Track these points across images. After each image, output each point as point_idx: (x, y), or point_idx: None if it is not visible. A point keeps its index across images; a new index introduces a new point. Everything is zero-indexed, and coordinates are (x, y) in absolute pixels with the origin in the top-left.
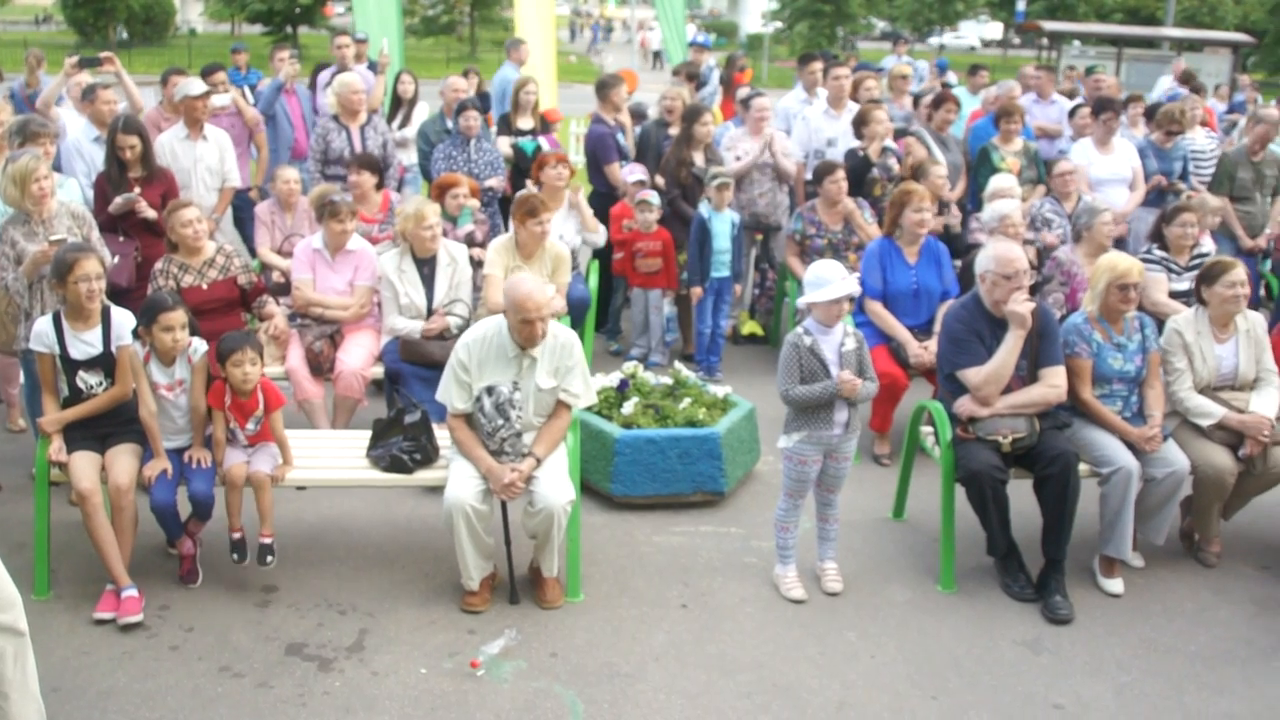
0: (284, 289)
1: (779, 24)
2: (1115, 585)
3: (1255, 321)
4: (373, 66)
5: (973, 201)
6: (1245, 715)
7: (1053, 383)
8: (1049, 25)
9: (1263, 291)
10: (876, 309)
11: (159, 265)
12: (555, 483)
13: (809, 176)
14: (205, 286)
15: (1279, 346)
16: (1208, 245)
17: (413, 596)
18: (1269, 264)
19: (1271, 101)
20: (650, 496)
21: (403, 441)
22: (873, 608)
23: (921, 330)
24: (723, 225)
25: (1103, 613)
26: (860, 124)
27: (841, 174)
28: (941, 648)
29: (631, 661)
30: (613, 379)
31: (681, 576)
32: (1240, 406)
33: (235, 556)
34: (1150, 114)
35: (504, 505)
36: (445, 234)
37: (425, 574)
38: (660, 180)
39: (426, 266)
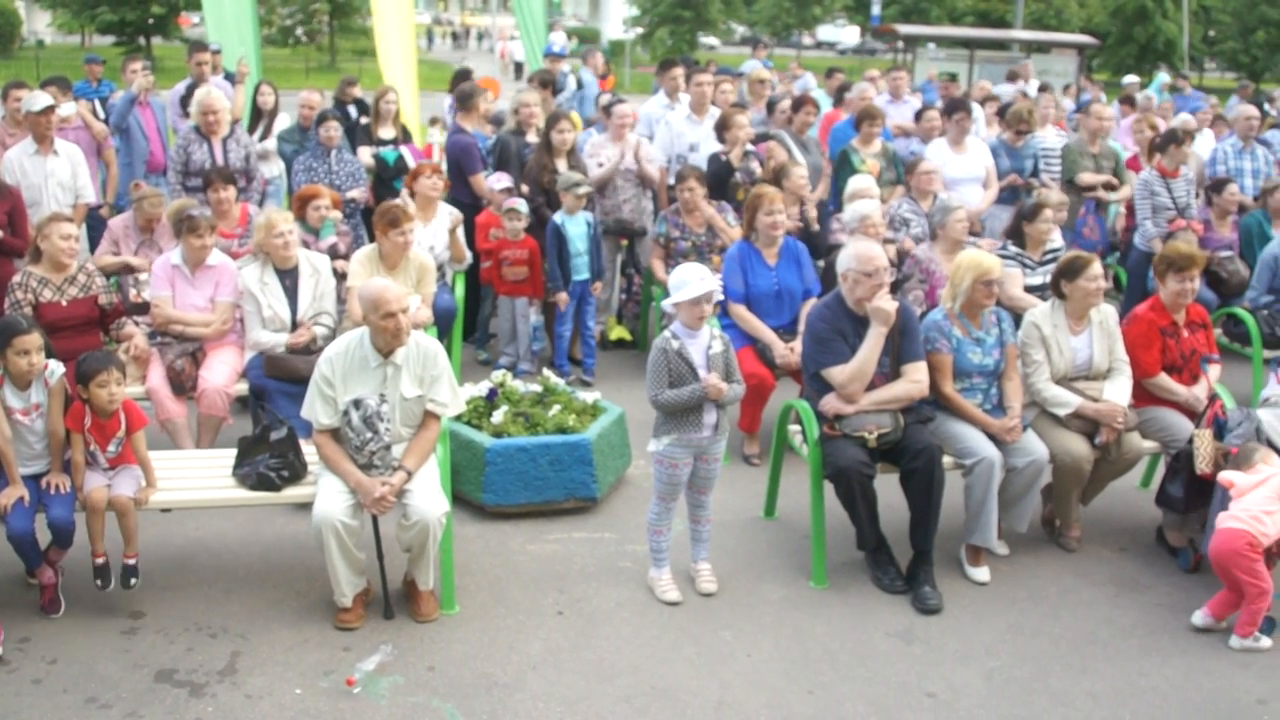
0: (142, 308)
1: (640, 30)
2: (982, 573)
3: (1108, 314)
4: (230, 77)
5: (834, 202)
6: (1108, 693)
7: (915, 378)
8: (904, 29)
9: (1110, 284)
10: (740, 311)
11: (17, 279)
12: (428, 495)
13: (672, 181)
14: (65, 303)
15: (1131, 334)
16: (1058, 240)
17: (285, 616)
18: (1116, 256)
19: (1115, 100)
20: (523, 505)
21: (269, 459)
22: (747, 606)
23: (786, 330)
24: (577, 228)
25: (971, 601)
26: (722, 128)
27: (694, 181)
28: (816, 642)
29: (509, 671)
30: (482, 388)
31: (557, 584)
32: (1095, 396)
33: (99, 583)
34: (1002, 114)
35: (375, 519)
36: (308, 246)
37: (297, 592)
38: (525, 188)
39: (289, 278)
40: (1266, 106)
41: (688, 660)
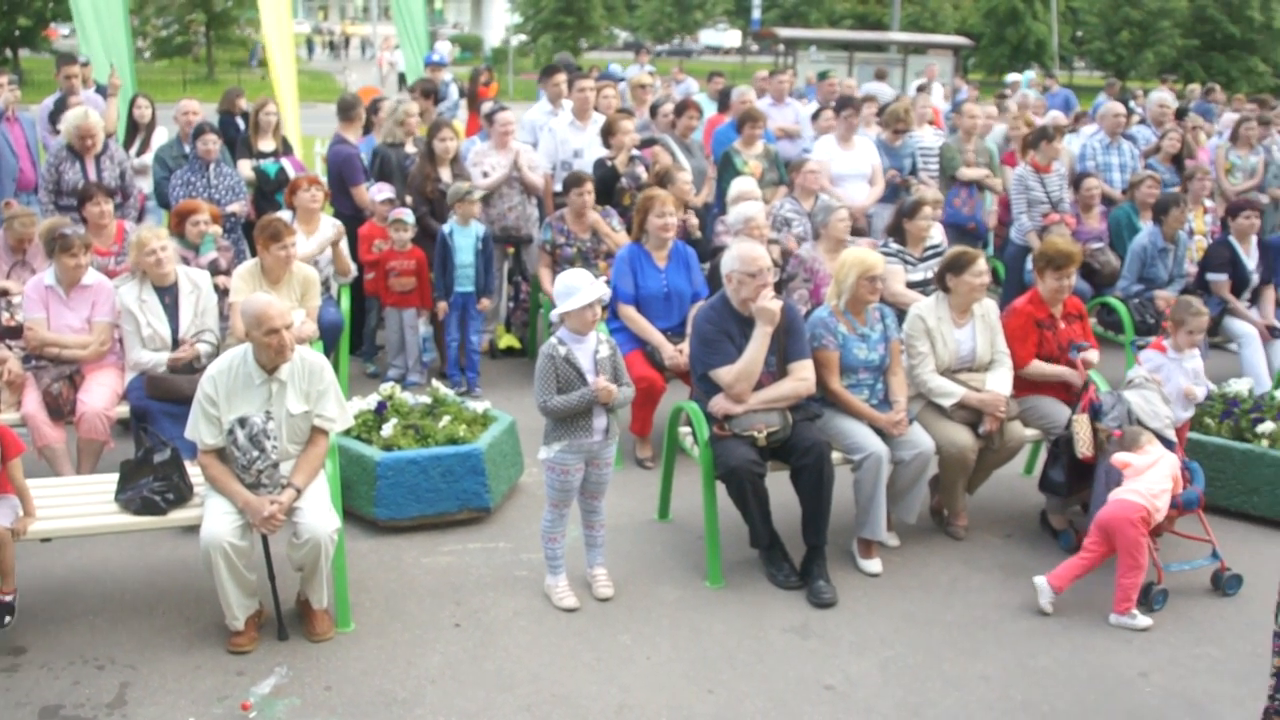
0: (15, 332)
1: (523, 37)
2: (874, 565)
3: (989, 307)
4: (101, 90)
5: (718, 205)
6: (999, 675)
7: (802, 376)
8: (784, 32)
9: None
10: (629, 313)
11: None
12: (319, 512)
13: (558, 188)
14: None
15: (1009, 327)
16: (938, 237)
17: (175, 643)
18: (992, 250)
19: (990, 99)
20: (416, 518)
21: (153, 482)
22: (645, 609)
23: (675, 333)
24: (466, 240)
25: (864, 593)
26: (607, 134)
27: (589, 185)
28: (714, 642)
29: (408, 687)
30: (370, 401)
31: (453, 596)
32: (978, 386)
33: None
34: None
35: (265, 539)
36: (188, 263)
37: (187, 618)
38: (409, 199)
39: (168, 295)
40: (1132, 103)
41: (587, 666)
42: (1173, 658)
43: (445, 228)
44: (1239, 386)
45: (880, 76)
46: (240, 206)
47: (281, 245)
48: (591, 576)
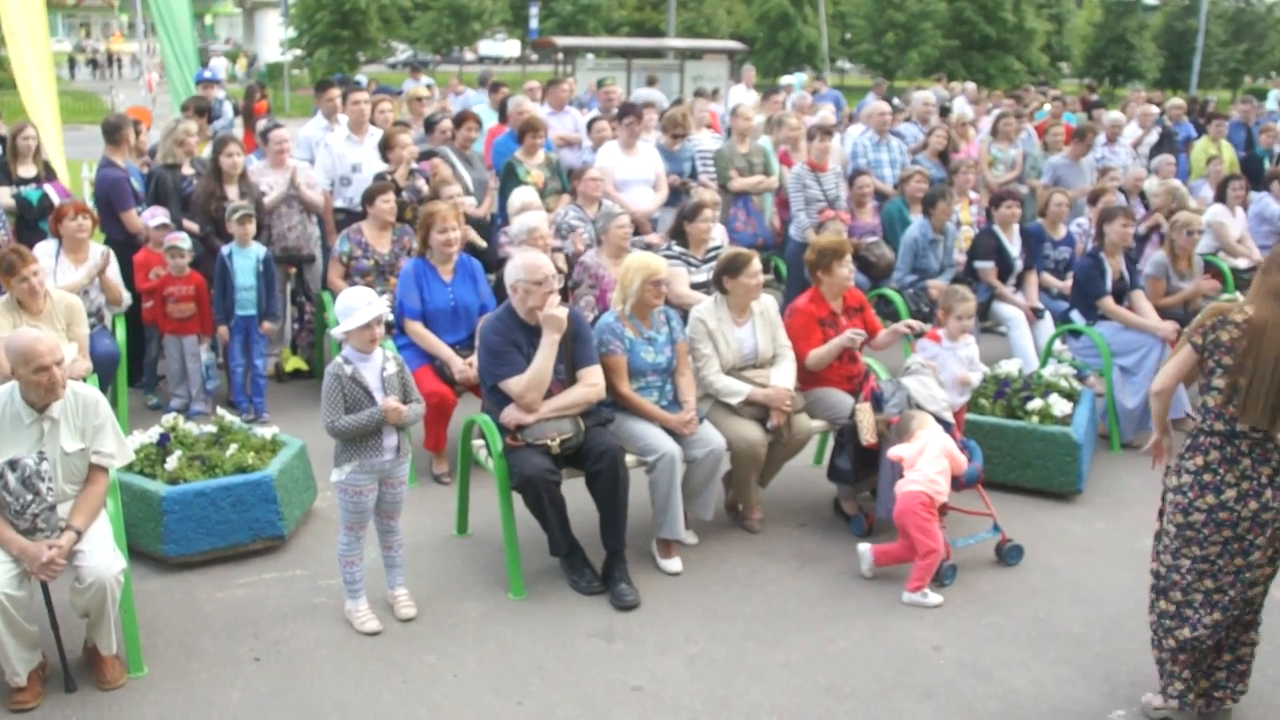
0: None
1: (298, 51)
2: (674, 564)
3: (768, 304)
4: None
5: (501, 216)
6: (801, 662)
7: (591, 381)
8: (562, 41)
9: (772, 275)
10: (417, 329)
11: None
12: (102, 553)
13: (339, 204)
14: None
15: (792, 326)
16: (719, 238)
17: None
18: (772, 251)
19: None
20: (208, 551)
21: None
22: (449, 627)
23: (464, 346)
24: (246, 262)
25: (666, 592)
26: (385, 148)
27: (393, 195)
28: (521, 653)
29: None
30: (152, 434)
31: (251, 629)
32: (763, 382)
33: None
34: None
35: (45, 586)
36: None
37: None
38: (189, 223)
39: None
40: (896, 101)
41: (394, 689)
42: (963, 629)
43: (224, 250)
44: (1009, 367)
45: (651, 82)
46: None
47: (21, 278)
48: (393, 598)
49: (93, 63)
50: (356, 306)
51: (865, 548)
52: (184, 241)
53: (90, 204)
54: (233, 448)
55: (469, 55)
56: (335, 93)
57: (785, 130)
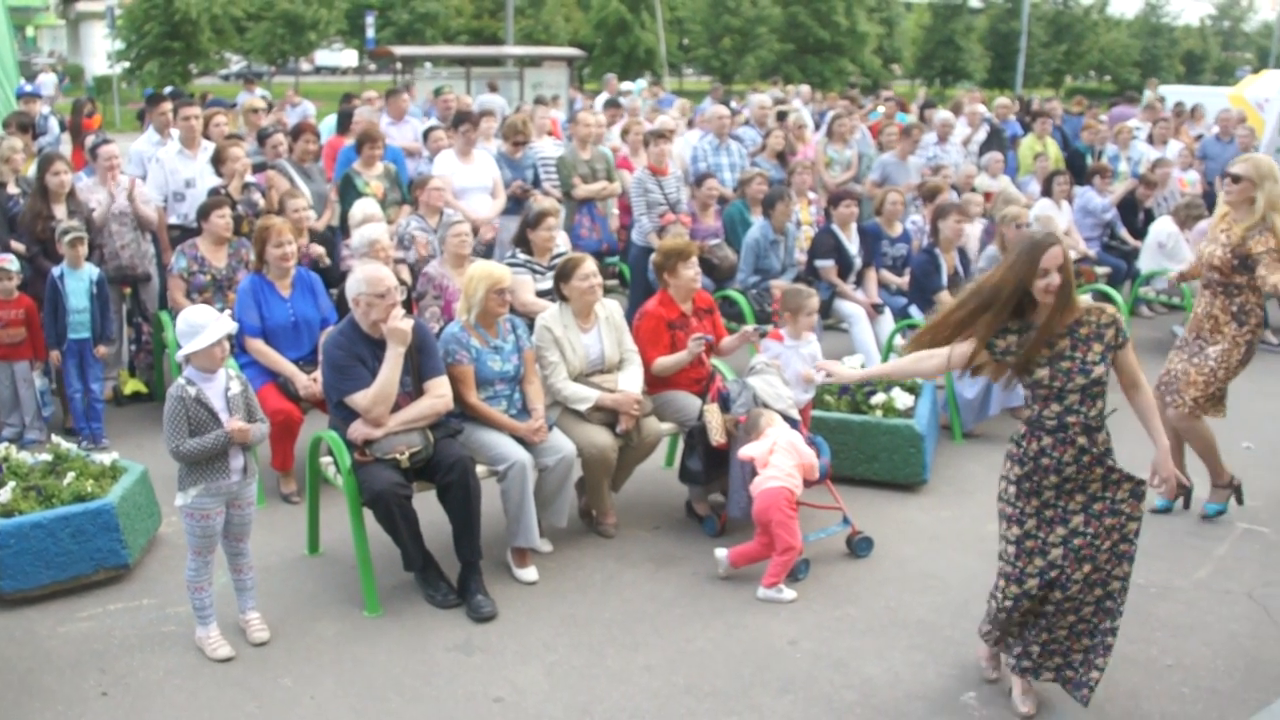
0: None
1: (127, 64)
2: (529, 573)
3: (613, 309)
4: None
5: (341, 229)
6: (660, 663)
7: (438, 393)
8: (400, 50)
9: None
10: (258, 346)
11: None
12: None
13: (173, 220)
14: None
15: (641, 330)
16: (564, 245)
17: None
18: (617, 256)
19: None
20: (47, 585)
21: None
22: (304, 648)
23: (307, 362)
24: (78, 283)
25: (523, 601)
26: (218, 162)
27: (228, 210)
28: (378, 671)
29: None
30: None
31: (97, 663)
32: (611, 387)
33: None
34: None
35: None
36: None
37: None
38: (15, 245)
39: None
40: (733, 104)
41: (250, 716)
42: (818, 622)
43: (55, 271)
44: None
45: (493, 89)
46: None
47: None
48: (245, 622)
49: None
50: (202, 325)
51: (721, 553)
52: (11, 263)
53: None
54: (70, 476)
55: (305, 66)
56: (167, 106)
57: (631, 135)
